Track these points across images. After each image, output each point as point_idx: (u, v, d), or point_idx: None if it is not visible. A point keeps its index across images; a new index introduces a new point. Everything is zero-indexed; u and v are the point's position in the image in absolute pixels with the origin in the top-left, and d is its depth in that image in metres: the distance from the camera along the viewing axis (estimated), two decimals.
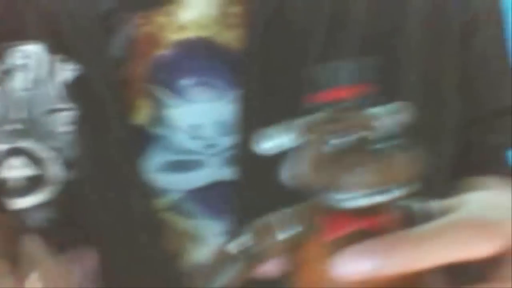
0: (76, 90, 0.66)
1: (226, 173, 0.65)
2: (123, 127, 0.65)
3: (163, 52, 0.65)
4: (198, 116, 0.65)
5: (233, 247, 0.44)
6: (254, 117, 0.63)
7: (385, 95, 0.64)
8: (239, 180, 0.64)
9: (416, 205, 0.42)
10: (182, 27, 0.66)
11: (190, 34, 0.66)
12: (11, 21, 0.68)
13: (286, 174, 0.42)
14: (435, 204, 0.43)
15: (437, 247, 0.38)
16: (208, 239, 0.66)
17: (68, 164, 0.67)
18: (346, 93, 0.42)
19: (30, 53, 0.67)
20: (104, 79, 0.65)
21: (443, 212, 0.41)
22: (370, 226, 0.40)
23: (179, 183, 0.66)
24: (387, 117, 0.42)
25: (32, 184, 0.67)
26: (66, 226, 0.67)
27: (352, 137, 0.40)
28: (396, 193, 0.40)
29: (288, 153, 0.42)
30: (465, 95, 0.71)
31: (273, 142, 0.42)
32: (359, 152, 0.40)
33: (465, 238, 0.38)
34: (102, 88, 0.65)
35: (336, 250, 0.39)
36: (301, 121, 0.42)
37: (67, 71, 0.66)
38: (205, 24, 0.66)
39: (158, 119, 0.66)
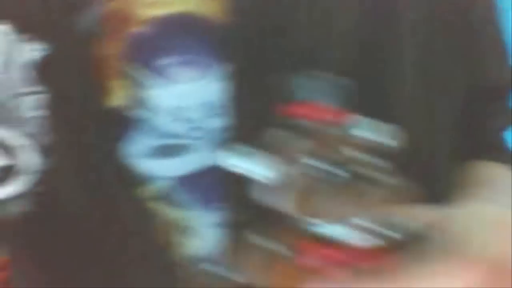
0: (44, 71, 0.61)
1: (214, 158, 0.60)
2: (97, 110, 0.60)
3: (139, 29, 0.60)
4: (181, 97, 0.59)
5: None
6: (244, 95, 0.58)
7: (382, 87, 0.61)
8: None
9: (398, 230, 0.42)
10: (157, 2, 0.59)
11: (167, 9, 0.59)
12: None
13: (258, 194, 0.41)
14: (417, 223, 0.42)
15: None
16: (200, 231, 0.62)
17: (43, 152, 0.62)
18: (325, 113, 0.40)
19: None
20: (74, 59, 0.60)
21: (425, 233, 0.42)
22: (346, 259, 0.40)
23: (166, 169, 0.61)
24: (367, 139, 0.40)
25: (5, 174, 0.62)
26: (43, 218, 0.63)
27: (331, 163, 0.39)
28: (370, 224, 0.39)
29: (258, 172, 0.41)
30: (460, 80, 0.67)
31: (244, 162, 0.41)
32: (337, 180, 0.39)
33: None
34: (72, 68, 0.60)
35: (308, 275, 0.40)
36: (275, 138, 0.41)
37: (34, 52, 0.61)
38: None
39: (138, 101, 0.60)
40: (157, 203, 0.62)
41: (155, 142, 0.61)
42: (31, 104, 0.61)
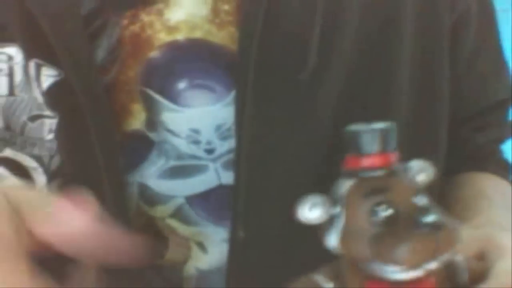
0: (57, 97, 0.62)
1: (226, 178, 0.63)
2: (105, 137, 0.62)
3: (154, 54, 0.62)
4: (196, 120, 0.62)
5: None
6: (250, 120, 0.61)
7: (379, 95, 0.63)
8: (237, 184, 0.62)
9: (456, 258, 0.43)
10: (172, 28, 0.62)
11: (181, 35, 0.62)
12: None
13: (332, 241, 0.42)
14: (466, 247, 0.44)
15: None
16: (211, 246, 0.65)
17: (53, 174, 0.64)
18: (382, 160, 0.41)
19: (12, 57, 0.63)
20: (86, 85, 0.61)
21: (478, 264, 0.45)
22: None
23: (180, 189, 0.64)
24: (418, 179, 0.41)
25: None
26: None
27: (399, 208, 0.40)
28: (435, 265, 0.40)
29: (332, 220, 0.41)
30: (457, 91, 0.70)
31: (318, 211, 0.41)
32: (406, 226, 0.39)
33: None
34: (84, 94, 0.61)
35: None
36: (343, 189, 0.41)
37: (48, 77, 0.62)
38: (195, 23, 0.62)
39: (155, 124, 0.63)
40: (170, 220, 0.64)
41: (171, 163, 0.63)
42: (44, 128, 0.63)
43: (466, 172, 0.72)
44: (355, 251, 0.41)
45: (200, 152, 0.63)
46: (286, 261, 0.63)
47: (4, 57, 0.63)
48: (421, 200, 0.41)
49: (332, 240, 0.41)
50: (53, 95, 0.62)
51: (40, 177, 0.64)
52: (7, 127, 0.64)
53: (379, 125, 0.42)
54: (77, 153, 0.63)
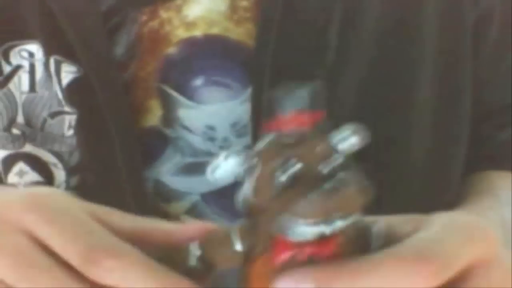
0: (76, 93, 0.63)
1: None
2: (125, 133, 0.62)
3: (171, 50, 0.62)
4: (212, 117, 0.62)
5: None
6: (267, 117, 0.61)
7: (399, 93, 0.63)
8: None
9: (374, 226, 0.43)
10: (190, 24, 0.62)
11: (198, 31, 0.62)
12: (12, 21, 0.64)
13: (239, 198, 0.42)
14: (396, 221, 0.43)
15: (373, 280, 0.39)
16: None
17: (72, 170, 0.64)
18: (303, 120, 0.41)
19: (33, 54, 0.64)
20: (106, 82, 0.62)
21: (402, 232, 0.42)
22: (317, 253, 0.41)
23: (196, 186, 0.64)
24: (343, 142, 0.41)
25: None
26: None
27: (303, 165, 0.40)
28: (340, 224, 0.40)
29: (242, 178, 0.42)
30: (478, 88, 0.69)
31: (224, 170, 0.42)
32: (309, 181, 0.40)
33: (402, 273, 0.39)
34: (103, 91, 0.62)
35: (280, 273, 0.41)
36: (261, 145, 0.42)
37: (68, 73, 0.63)
38: (214, 20, 0.62)
39: (171, 120, 0.63)
40: (184, 217, 0.64)
41: (187, 159, 0.63)
42: (64, 124, 0.64)
43: (484, 171, 0.71)
44: (263, 203, 0.41)
45: (215, 149, 0.62)
46: None
47: (25, 54, 0.64)
48: (337, 159, 0.41)
49: (244, 194, 0.42)
50: (73, 92, 0.63)
51: (60, 173, 0.65)
52: (28, 123, 0.64)
53: (298, 86, 0.42)
54: (96, 149, 0.63)
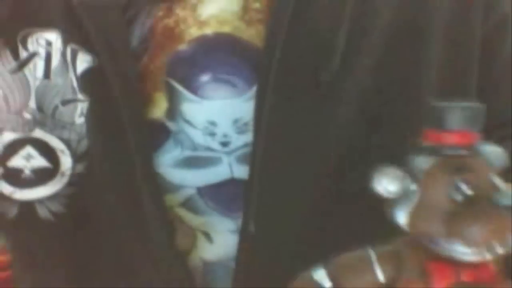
0: (90, 82, 0.65)
1: (239, 171, 0.64)
2: (137, 121, 0.64)
3: (182, 47, 0.64)
4: (214, 112, 0.64)
5: None
6: (269, 116, 0.61)
7: (404, 100, 0.63)
8: (251, 179, 0.62)
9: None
10: (202, 22, 0.64)
11: (210, 29, 0.64)
12: (35, 9, 0.67)
13: (401, 217, 0.42)
14: None
15: None
16: (218, 237, 0.65)
17: (79, 157, 0.66)
18: (465, 139, 0.41)
19: (50, 42, 0.66)
20: (120, 72, 0.64)
21: None
22: (472, 279, 0.41)
23: (193, 179, 0.65)
24: (496, 163, 0.42)
25: (42, 176, 0.66)
26: (71, 220, 0.66)
27: (478, 189, 0.40)
28: (500, 250, 0.40)
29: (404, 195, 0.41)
30: (487, 101, 0.68)
31: (397, 184, 0.41)
32: (484, 206, 0.40)
33: None
34: (117, 81, 0.63)
35: None
36: (423, 164, 0.42)
37: (83, 62, 0.65)
38: (225, 19, 0.64)
39: (175, 114, 0.64)
40: (180, 210, 0.65)
41: (186, 153, 0.65)
42: (76, 111, 0.65)
43: None
44: (427, 227, 0.40)
45: (215, 144, 0.64)
46: (295, 257, 0.62)
47: (42, 42, 0.66)
48: (498, 183, 0.41)
49: (401, 216, 0.41)
50: (87, 80, 0.65)
51: (66, 160, 0.66)
52: (39, 109, 0.66)
53: (467, 103, 0.42)
54: (106, 137, 0.65)
